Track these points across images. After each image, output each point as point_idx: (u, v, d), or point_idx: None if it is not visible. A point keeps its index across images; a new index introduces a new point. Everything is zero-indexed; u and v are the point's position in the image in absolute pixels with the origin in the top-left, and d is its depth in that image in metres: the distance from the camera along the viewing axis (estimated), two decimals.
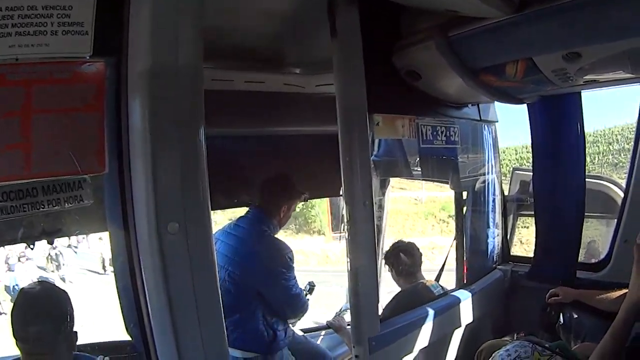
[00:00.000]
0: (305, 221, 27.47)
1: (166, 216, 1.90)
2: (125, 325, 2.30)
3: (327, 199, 6.12)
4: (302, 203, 4.03)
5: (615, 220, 4.12)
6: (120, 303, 2.28)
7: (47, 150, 1.87)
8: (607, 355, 2.19)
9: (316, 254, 25.94)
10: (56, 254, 19.86)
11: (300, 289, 3.82)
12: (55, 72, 1.85)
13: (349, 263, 3.08)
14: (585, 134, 4.23)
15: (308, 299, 4.00)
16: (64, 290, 2.36)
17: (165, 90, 1.90)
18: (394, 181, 5.56)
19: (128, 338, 2.36)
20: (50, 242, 2.16)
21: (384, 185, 5.04)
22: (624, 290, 3.00)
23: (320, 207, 23.47)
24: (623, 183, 4.39)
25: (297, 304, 3.78)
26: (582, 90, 3.96)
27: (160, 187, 1.89)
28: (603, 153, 26.38)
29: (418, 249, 4.31)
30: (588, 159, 4.14)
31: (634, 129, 4.04)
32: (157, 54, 1.89)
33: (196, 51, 1.97)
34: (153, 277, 1.95)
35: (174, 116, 1.91)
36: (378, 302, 3.28)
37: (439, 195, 26.45)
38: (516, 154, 26.95)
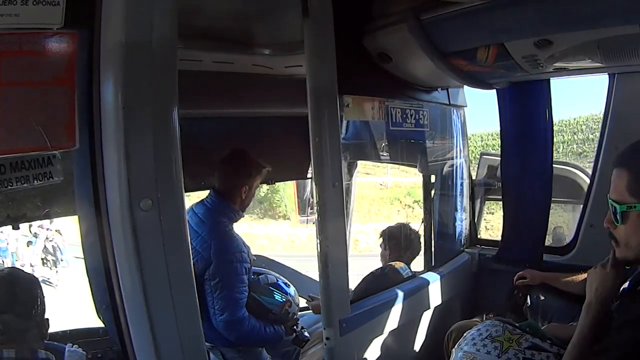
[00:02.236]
0: (270, 206, 27.42)
1: (139, 192, 1.86)
2: (96, 308, 2.26)
3: (294, 182, 6.10)
4: (267, 187, 3.94)
5: (581, 205, 4.21)
6: (90, 286, 2.24)
7: (16, 125, 1.81)
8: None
9: (282, 239, 25.93)
10: (52, 246, 18.78)
11: (241, 304, 3.48)
12: (25, 44, 1.78)
13: (318, 244, 3.06)
14: None
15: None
16: (33, 276, 2.31)
17: (139, 63, 1.85)
18: (360, 165, 5.57)
19: (93, 325, 2.32)
20: (16, 228, 2.10)
21: (351, 168, 5.04)
22: None
23: (285, 192, 23.41)
24: (588, 170, 4.47)
25: (230, 306, 3.42)
26: (551, 78, 4.02)
27: (133, 162, 1.85)
28: (568, 142, 26.88)
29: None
30: (553, 147, 4.21)
31: (599, 120, 4.11)
32: (131, 26, 1.84)
33: (172, 24, 1.93)
34: (125, 256, 1.91)
35: (147, 90, 1.87)
36: (348, 283, 3.27)
37: (405, 181, 26.68)
38: (482, 141, 27.24)
